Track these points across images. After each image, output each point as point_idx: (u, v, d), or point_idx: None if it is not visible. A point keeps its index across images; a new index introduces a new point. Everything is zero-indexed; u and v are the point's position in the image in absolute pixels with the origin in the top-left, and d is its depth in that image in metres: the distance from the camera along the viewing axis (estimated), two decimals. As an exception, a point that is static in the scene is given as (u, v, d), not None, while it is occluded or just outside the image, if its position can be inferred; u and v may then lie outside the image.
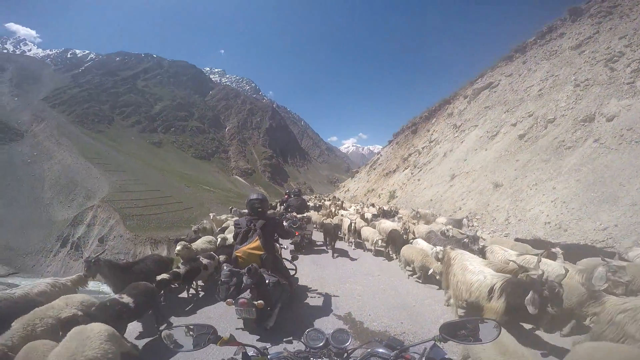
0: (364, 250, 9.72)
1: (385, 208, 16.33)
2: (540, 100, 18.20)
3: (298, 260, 6.09)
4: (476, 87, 28.73)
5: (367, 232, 9.70)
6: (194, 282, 5.84)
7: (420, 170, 26.73)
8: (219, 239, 7.94)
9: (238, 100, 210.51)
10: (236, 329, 4.43)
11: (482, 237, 8.36)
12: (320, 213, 14.91)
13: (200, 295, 5.85)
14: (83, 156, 77.50)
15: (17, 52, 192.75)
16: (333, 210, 15.12)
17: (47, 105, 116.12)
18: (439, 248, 6.31)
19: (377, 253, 9.13)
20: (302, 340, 1.58)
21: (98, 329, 3.06)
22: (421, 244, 7.60)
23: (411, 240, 8.19)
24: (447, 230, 8.81)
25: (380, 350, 1.52)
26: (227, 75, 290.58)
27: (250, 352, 1.46)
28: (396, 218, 12.17)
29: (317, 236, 10.85)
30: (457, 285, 4.53)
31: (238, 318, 4.23)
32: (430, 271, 6.10)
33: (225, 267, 4.37)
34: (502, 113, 21.24)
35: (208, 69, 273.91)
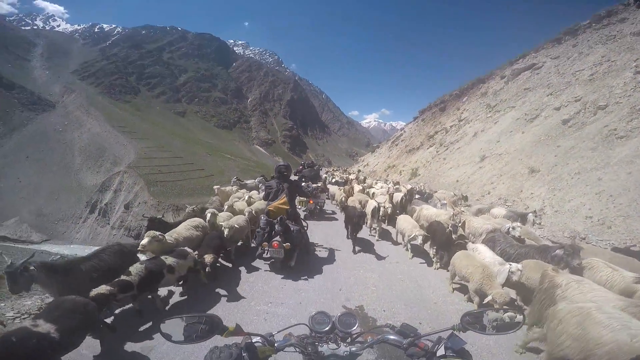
0: (394, 244, 7.89)
1: (419, 187, 14.06)
2: (591, 86, 16.88)
3: (308, 256, 6.57)
4: (516, 67, 27.65)
5: (404, 222, 7.45)
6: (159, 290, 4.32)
7: (447, 149, 25.38)
8: (209, 215, 6.14)
9: (261, 72, 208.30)
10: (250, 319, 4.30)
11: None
12: (342, 189, 12.84)
13: (168, 304, 4.44)
14: (110, 125, 79.78)
15: (47, 27, 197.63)
16: (355, 187, 13.17)
17: (76, 77, 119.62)
18: (515, 266, 4.26)
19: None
20: (307, 324, 1.53)
21: None
22: (482, 252, 5.22)
23: (466, 242, 6.01)
24: (513, 229, 6.04)
25: (392, 337, 1.43)
26: (251, 48, 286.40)
27: (256, 340, 1.39)
28: (439, 204, 9.66)
29: (329, 206, 12.63)
30: (570, 343, 2.67)
31: (269, 257, 5.60)
32: (488, 299, 4.05)
33: (262, 218, 6.08)
34: (544, 96, 20.00)
35: (232, 41, 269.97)
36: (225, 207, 7.48)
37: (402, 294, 4.97)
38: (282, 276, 5.50)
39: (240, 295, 4.82)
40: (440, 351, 1.32)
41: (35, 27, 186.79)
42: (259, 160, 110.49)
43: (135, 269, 3.87)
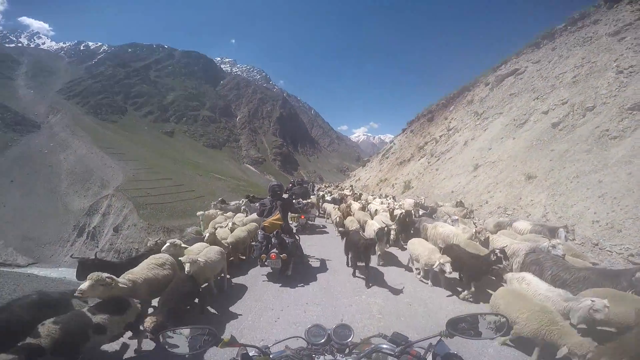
0: (407, 270, 7.01)
1: (419, 201, 13.96)
2: (575, 87, 17.15)
3: (303, 266, 7.18)
4: (499, 73, 27.82)
5: (419, 247, 6.38)
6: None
7: (438, 159, 25.42)
8: (165, 246, 5.24)
9: (249, 90, 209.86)
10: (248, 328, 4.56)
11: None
12: (339, 207, 12.41)
13: None
14: (97, 146, 78.84)
15: (32, 45, 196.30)
16: (353, 205, 12.63)
17: (62, 97, 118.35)
18: (600, 303, 3.21)
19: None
20: (303, 336, 1.56)
21: None
22: (533, 283, 4.09)
23: (507, 273, 4.99)
24: (554, 247, 5.19)
25: (385, 345, 1.48)
26: (238, 65, 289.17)
27: (252, 352, 1.45)
28: (449, 220, 8.72)
29: (319, 220, 13.38)
30: None
31: (268, 266, 6.12)
32: (563, 352, 3.08)
33: (260, 232, 6.53)
34: (530, 100, 20.31)
35: (219, 58, 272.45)
36: (206, 235, 6.59)
37: (413, 322, 4.58)
38: (280, 284, 6.05)
39: (251, 301, 5.45)
40: (430, 357, 1.42)
41: (19, 45, 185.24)
42: (249, 179, 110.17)
43: (46, 329, 2.85)
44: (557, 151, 13.61)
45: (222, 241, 6.77)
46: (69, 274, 41.18)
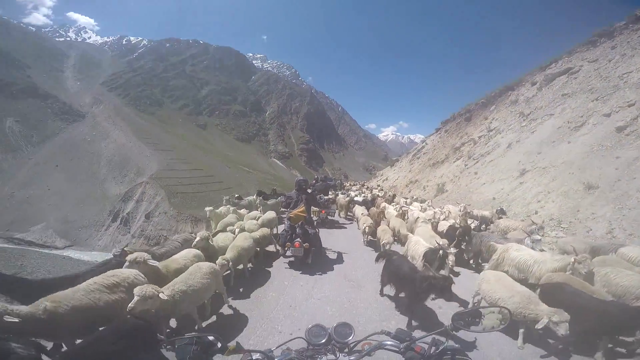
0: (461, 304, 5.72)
1: (463, 209, 11.98)
2: None
3: (321, 257, 7.55)
4: (549, 72, 26.13)
5: (501, 288, 4.27)
6: None
7: (477, 162, 23.78)
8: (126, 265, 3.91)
9: (278, 85, 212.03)
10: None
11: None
12: (369, 212, 11.12)
13: None
14: (135, 136, 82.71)
15: (79, 39, 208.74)
16: (388, 209, 11.44)
17: (105, 89, 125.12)
18: None
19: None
20: (304, 337, 1.56)
21: None
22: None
23: None
24: None
25: (389, 342, 1.48)
26: (269, 61, 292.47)
27: (256, 356, 1.45)
28: (527, 241, 6.35)
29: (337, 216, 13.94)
30: None
31: (290, 255, 6.77)
32: None
33: (286, 222, 7.28)
34: (588, 101, 18.68)
35: (251, 54, 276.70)
36: (197, 239, 5.41)
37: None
38: (300, 272, 6.49)
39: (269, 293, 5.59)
40: (435, 352, 1.39)
41: (68, 39, 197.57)
42: (276, 174, 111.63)
43: None
44: (624, 159, 12.29)
45: (220, 256, 5.27)
46: (100, 257, 43.66)
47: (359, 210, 11.90)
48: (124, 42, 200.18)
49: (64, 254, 41.10)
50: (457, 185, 22.12)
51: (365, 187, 29.46)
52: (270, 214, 8.84)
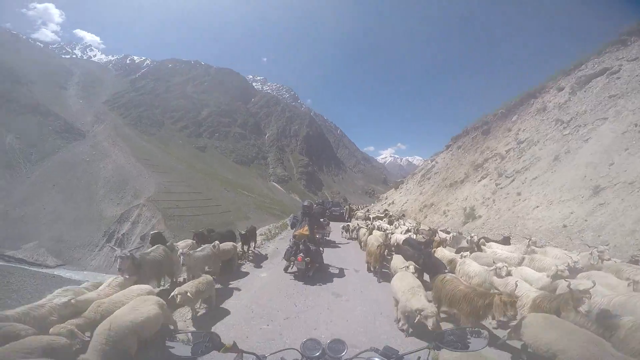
0: None
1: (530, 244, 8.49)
2: None
3: (322, 272, 8.37)
4: (582, 74, 24.45)
5: None
6: None
7: (513, 179, 20.80)
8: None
9: (278, 108, 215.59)
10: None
11: None
12: (380, 244, 8.39)
13: None
14: (134, 157, 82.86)
15: (85, 57, 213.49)
16: (468, 266, 6.56)
17: (107, 107, 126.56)
18: None
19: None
20: (298, 349, 1.60)
21: None
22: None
23: None
24: None
25: (376, 359, 1.55)
26: (269, 83, 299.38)
27: (250, 359, 1.55)
28: None
29: (333, 236, 14.66)
30: None
31: (296, 267, 7.58)
32: None
33: (291, 240, 8.36)
34: None
35: (251, 76, 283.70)
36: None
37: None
38: (303, 283, 7.28)
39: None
40: None
41: (74, 56, 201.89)
42: (275, 197, 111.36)
43: None
44: None
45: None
46: (92, 277, 42.51)
47: (397, 261, 6.91)
48: (127, 62, 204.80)
49: (55, 273, 40.03)
50: (494, 210, 18.45)
51: (378, 213, 26.57)
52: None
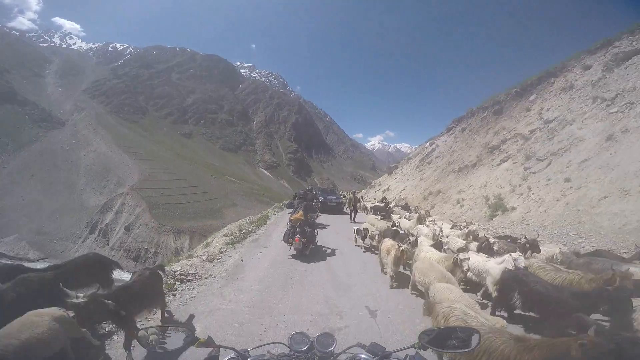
0: None
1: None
2: None
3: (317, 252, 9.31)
4: (618, 51, 22.82)
5: None
6: None
7: (548, 163, 17.92)
8: None
9: (266, 95, 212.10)
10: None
11: None
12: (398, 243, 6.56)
13: None
14: (117, 144, 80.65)
15: (64, 45, 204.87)
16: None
17: (87, 96, 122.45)
18: None
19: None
20: (286, 343, 1.59)
21: None
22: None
23: None
24: None
25: (363, 355, 1.54)
26: (257, 70, 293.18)
27: (230, 354, 1.47)
28: None
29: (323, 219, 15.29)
30: None
31: (293, 248, 8.38)
32: None
33: (288, 223, 9.26)
34: None
35: (239, 63, 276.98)
36: None
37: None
38: (300, 261, 8.04)
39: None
40: None
41: (52, 44, 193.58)
42: (263, 184, 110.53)
43: None
44: None
45: None
46: None
47: (439, 289, 4.69)
48: (109, 49, 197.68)
49: (37, 267, 39.10)
50: (534, 200, 15.18)
51: (362, 199, 24.59)
52: None
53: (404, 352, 1.48)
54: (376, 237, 9.19)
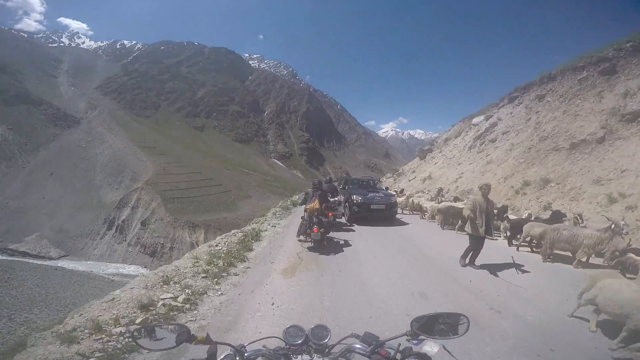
0: None
1: None
2: None
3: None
4: None
5: None
6: None
7: None
8: None
9: (276, 85, 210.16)
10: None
11: None
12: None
13: None
14: (131, 140, 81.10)
15: (73, 45, 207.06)
16: None
17: (100, 93, 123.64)
18: None
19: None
20: (281, 337, 1.57)
21: None
22: None
23: None
24: None
25: (358, 345, 1.53)
26: (266, 61, 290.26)
27: (227, 351, 1.47)
28: None
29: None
30: None
31: (311, 240, 8.19)
32: None
33: (305, 214, 8.81)
34: None
35: (247, 55, 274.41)
36: None
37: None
38: (319, 253, 7.60)
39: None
40: (399, 357, 1.40)
41: (61, 45, 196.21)
42: (277, 174, 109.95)
43: None
44: None
45: None
46: (96, 267, 42.11)
47: None
48: (117, 47, 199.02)
49: (58, 265, 39.48)
50: None
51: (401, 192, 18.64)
52: None
53: (396, 341, 1.46)
54: None
